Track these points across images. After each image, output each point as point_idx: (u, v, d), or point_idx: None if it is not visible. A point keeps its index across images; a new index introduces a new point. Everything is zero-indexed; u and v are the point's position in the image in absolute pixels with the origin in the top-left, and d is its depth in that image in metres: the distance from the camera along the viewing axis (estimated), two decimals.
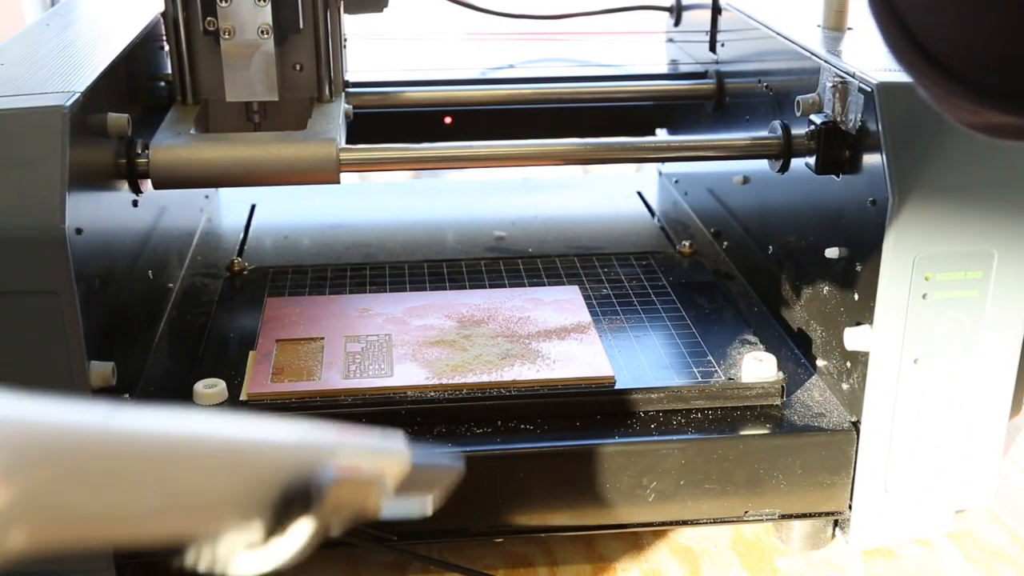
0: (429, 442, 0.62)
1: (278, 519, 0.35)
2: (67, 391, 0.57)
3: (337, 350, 0.68)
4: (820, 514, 0.66)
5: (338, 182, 0.68)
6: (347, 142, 0.72)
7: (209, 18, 0.72)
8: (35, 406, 0.28)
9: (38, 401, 0.28)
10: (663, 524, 0.65)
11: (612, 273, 0.84)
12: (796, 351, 0.73)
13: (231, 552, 0.36)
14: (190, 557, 0.36)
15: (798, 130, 0.69)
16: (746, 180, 0.84)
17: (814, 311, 0.70)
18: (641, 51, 1.07)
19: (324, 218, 0.97)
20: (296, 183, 0.69)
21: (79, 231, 0.57)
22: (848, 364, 0.65)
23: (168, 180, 0.67)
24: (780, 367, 0.66)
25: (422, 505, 0.42)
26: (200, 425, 0.34)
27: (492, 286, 0.81)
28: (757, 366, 0.66)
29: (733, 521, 0.65)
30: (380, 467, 0.38)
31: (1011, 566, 0.68)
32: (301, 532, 0.35)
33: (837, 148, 0.65)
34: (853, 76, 0.64)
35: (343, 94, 0.78)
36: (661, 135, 1.07)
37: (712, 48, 0.94)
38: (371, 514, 0.38)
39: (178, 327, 0.76)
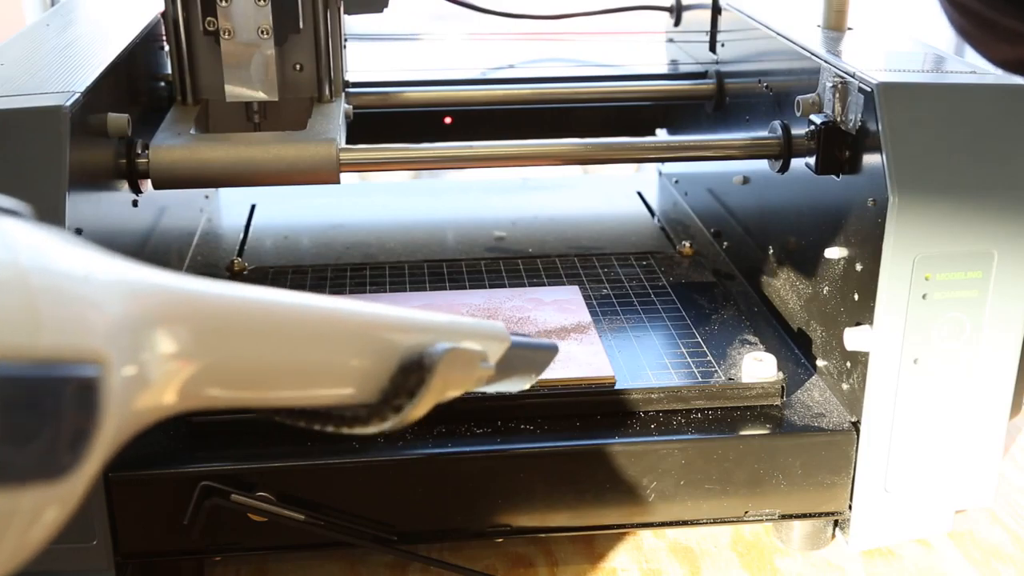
0: (429, 442, 0.62)
1: (396, 388, 0.40)
2: None
3: None
4: (820, 514, 0.66)
5: (338, 182, 0.68)
6: (347, 142, 0.72)
7: (209, 18, 0.72)
8: (203, 284, 0.32)
9: (201, 280, 0.32)
10: (663, 524, 0.65)
11: (612, 273, 0.84)
12: (796, 351, 0.73)
13: (357, 416, 0.40)
14: (316, 419, 0.41)
15: (798, 130, 0.69)
16: (746, 180, 0.84)
17: (814, 311, 0.70)
18: (641, 51, 1.07)
19: (324, 218, 0.97)
20: (296, 183, 0.69)
21: (79, 231, 0.57)
22: (848, 364, 0.65)
23: (168, 180, 0.67)
24: (780, 367, 0.66)
25: (522, 383, 0.48)
26: (328, 302, 0.38)
27: (492, 286, 0.81)
28: (757, 366, 0.66)
29: (733, 521, 0.65)
30: (484, 344, 0.43)
31: (1011, 566, 0.68)
32: (419, 398, 0.40)
33: (837, 148, 0.65)
34: (853, 76, 0.64)
35: (343, 94, 0.78)
36: (661, 135, 1.07)
37: (712, 48, 0.94)
38: (476, 386, 0.43)
39: None
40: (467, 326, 0.44)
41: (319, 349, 0.38)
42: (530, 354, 0.48)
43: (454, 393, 0.42)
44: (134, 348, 0.28)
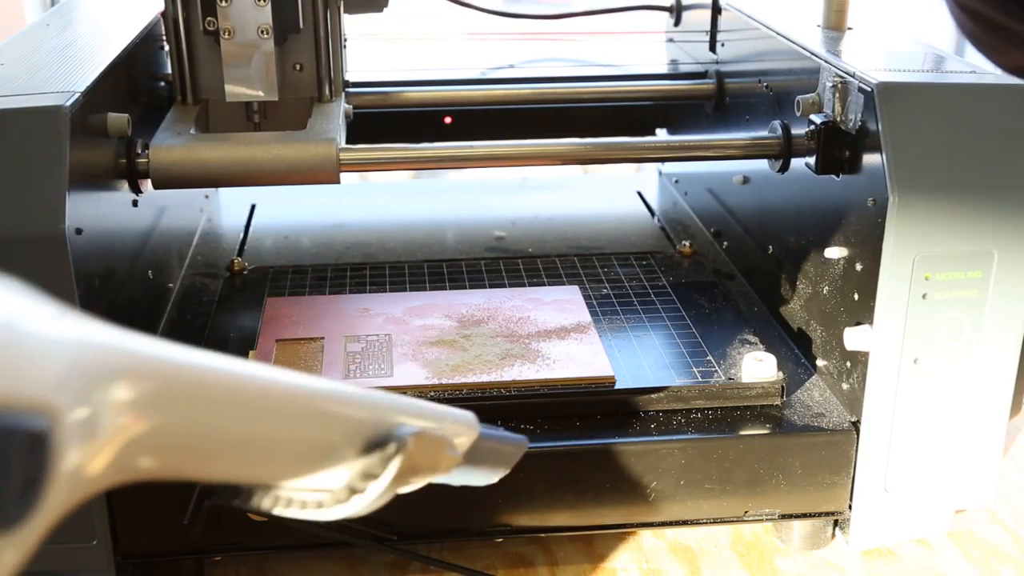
0: None
1: (360, 470, 0.38)
2: None
3: (337, 350, 0.68)
4: (820, 514, 0.66)
5: (338, 182, 0.68)
6: (347, 142, 0.72)
7: (209, 18, 0.72)
8: (161, 346, 0.31)
9: (160, 343, 0.31)
10: (663, 524, 0.65)
11: (612, 273, 0.84)
12: (796, 351, 0.73)
13: (316, 498, 0.39)
14: (275, 502, 0.40)
15: (798, 130, 0.69)
16: (746, 180, 0.84)
17: (814, 311, 0.70)
18: (641, 51, 1.07)
19: (324, 218, 0.97)
20: (296, 183, 0.69)
21: (79, 231, 0.57)
22: (848, 364, 0.65)
23: (168, 180, 0.67)
24: (780, 367, 0.66)
25: (489, 477, 0.47)
26: (295, 378, 0.37)
27: (492, 286, 0.81)
28: (757, 366, 0.66)
29: (733, 521, 0.66)
30: (451, 432, 0.43)
31: (1011, 566, 0.68)
32: (379, 484, 0.38)
33: (837, 148, 0.65)
34: (853, 76, 0.64)
35: (343, 94, 0.78)
36: (661, 135, 1.07)
37: (712, 48, 0.94)
38: (442, 474, 0.42)
39: (178, 327, 0.76)
40: (436, 411, 0.43)
41: (280, 424, 0.36)
42: (498, 446, 0.47)
43: (418, 481, 0.41)
44: (84, 397, 0.27)
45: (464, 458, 0.44)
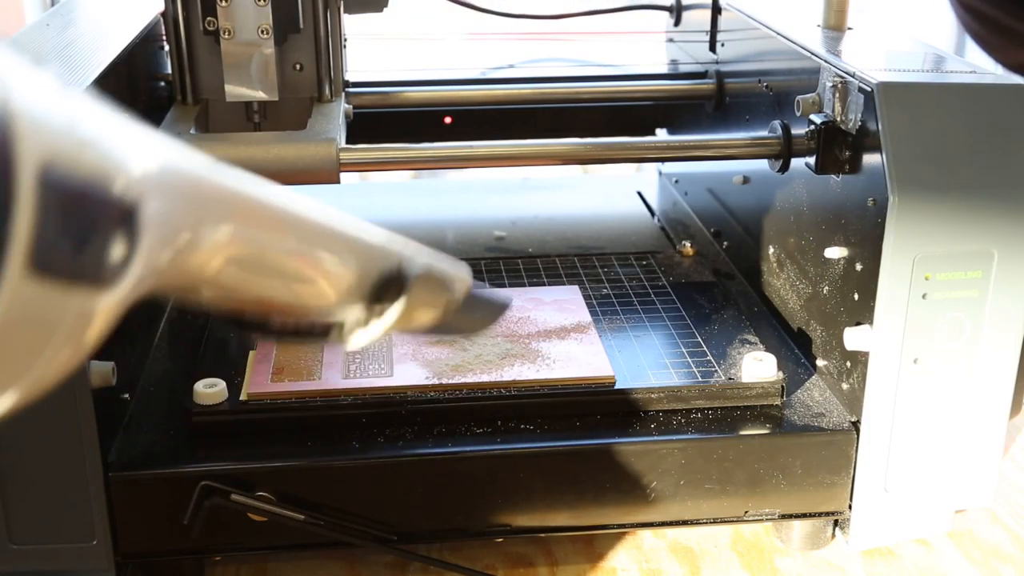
0: (429, 442, 0.62)
1: (377, 299, 0.42)
2: (67, 391, 0.57)
3: (337, 350, 0.68)
4: (820, 514, 0.66)
5: (338, 182, 0.68)
6: (347, 142, 0.72)
7: (209, 18, 0.72)
8: (227, 170, 0.35)
9: (225, 167, 0.35)
10: (663, 524, 0.65)
11: (612, 273, 0.84)
12: (796, 351, 0.73)
13: (339, 324, 0.43)
14: (304, 327, 0.43)
15: (798, 130, 0.69)
16: (746, 180, 0.84)
17: (814, 311, 0.70)
18: (641, 51, 1.07)
19: None
20: (296, 183, 0.69)
21: None
22: (848, 364, 0.65)
23: None
24: (780, 367, 0.66)
25: (476, 327, 0.53)
26: (326, 208, 0.42)
27: (492, 286, 0.81)
28: (757, 366, 0.66)
29: (733, 521, 0.65)
30: (454, 275, 0.46)
31: (1011, 566, 0.68)
32: (393, 313, 0.42)
33: (837, 148, 0.65)
34: (853, 76, 0.64)
35: (343, 94, 0.78)
36: (661, 135, 1.07)
37: (712, 48, 0.94)
38: (446, 310, 0.45)
39: (178, 327, 0.76)
40: (441, 257, 0.46)
41: (322, 246, 0.41)
42: (487, 302, 0.51)
43: (422, 318, 0.44)
44: (173, 202, 0.30)
45: (461, 303, 0.47)
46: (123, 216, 0.27)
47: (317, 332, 0.44)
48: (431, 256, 0.45)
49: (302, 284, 0.41)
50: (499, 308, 0.53)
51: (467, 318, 0.50)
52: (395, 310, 0.42)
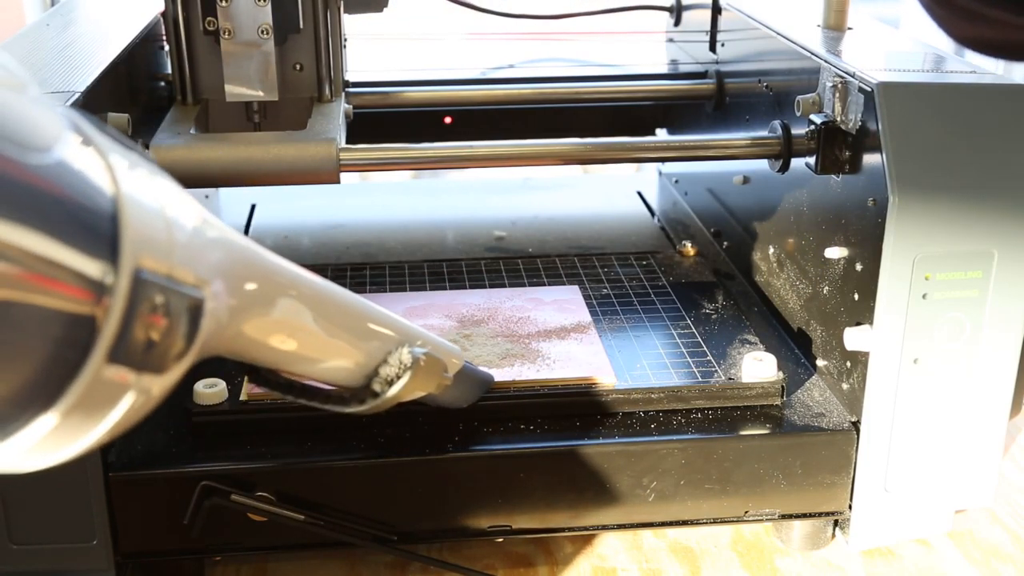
0: (429, 442, 0.62)
1: (383, 376, 0.49)
2: None
3: None
4: (820, 514, 0.66)
5: (338, 182, 0.68)
6: (347, 142, 0.72)
7: (209, 18, 0.72)
8: (268, 254, 0.41)
9: (266, 251, 0.41)
10: (663, 524, 0.65)
11: (612, 273, 0.84)
12: (796, 351, 0.73)
13: (341, 396, 0.50)
14: (313, 396, 0.50)
15: (798, 130, 0.69)
16: (746, 180, 0.84)
17: (814, 311, 0.70)
18: (641, 51, 1.07)
19: (324, 218, 0.97)
20: (296, 183, 0.69)
21: None
22: (848, 364, 0.65)
23: None
24: (780, 367, 0.66)
25: (460, 402, 0.60)
26: (345, 291, 0.48)
27: (492, 286, 0.81)
28: (757, 366, 0.66)
29: (733, 521, 0.65)
30: (448, 358, 0.54)
31: (1011, 566, 0.68)
32: (395, 389, 0.49)
33: (837, 148, 0.65)
34: (853, 76, 0.64)
35: (343, 94, 0.78)
36: (661, 135, 1.07)
37: (712, 48, 0.94)
38: (436, 391, 0.53)
39: None
40: (438, 341, 0.54)
41: (342, 328, 0.47)
42: (474, 378, 0.60)
43: (420, 392, 0.52)
44: (226, 289, 0.35)
45: (452, 381, 0.54)
46: (196, 313, 0.31)
47: (320, 396, 0.50)
48: (434, 340, 0.53)
49: (319, 362, 0.46)
50: (484, 384, 0.62)
51: (456, 393, 0.58)
52: (397, 387, 0.49)
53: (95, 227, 0.28)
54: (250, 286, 0.38)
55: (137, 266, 0.28)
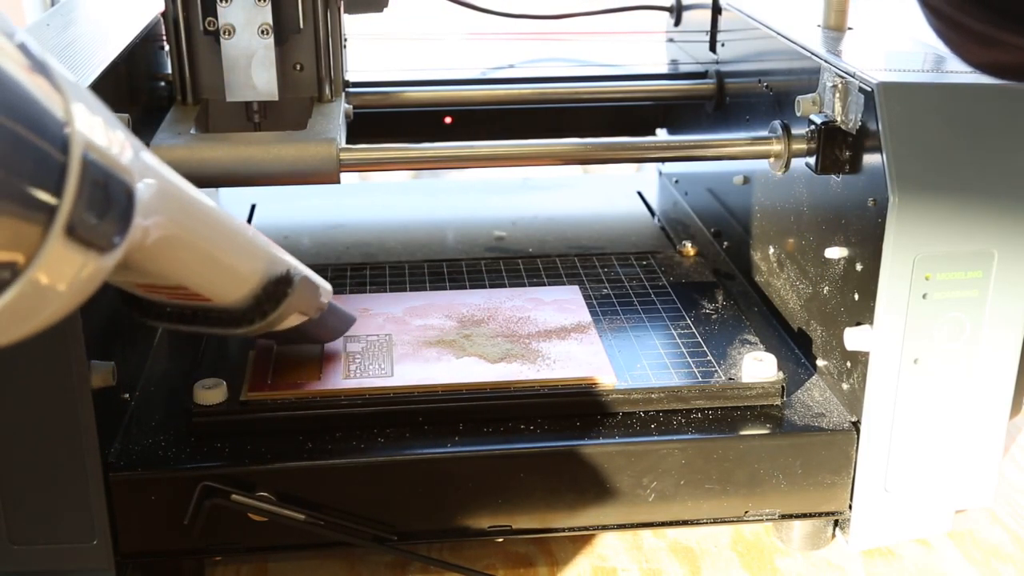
0: (429, 442, 0.62)
1: (266, 295, 0.52)
2: (67, 391, 0.57)
3: (337, 350, 0.68)
4: (820, 514, 0.66)
5: (338, 182, 0.68)
6: (347, 142, 0.72)
7: (209, 18, 0.72)
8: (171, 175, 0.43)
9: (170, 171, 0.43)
10: (663, 524, 0.65)
11: (612, 273, 0.84)
12: (796, 351, 0.73)
13: (230, 318, 0.53)
14: (200, 321, 0.53)
15: (798, 130, 0.69)
16: (746, 180, 0.84)
17: (814, 311, 0.70)
18: (641, 51, 1.07)
19: (324, 218, 0.97)
20: (296, 183, 0.69)
21: None
22: (848, 364, 0.65)
23: None
24: (780, 367, 0.66)
25: (325, 337, 0.67)
26: (237, 218, 0.51)
27: (492, 286, 0.81)
28: (757, 366, 0.66)
29: (733, 521, 0.65)
30: (321, 284, 0.58)
31: (1011, 566, 0.68)
32: (277, 310, 0.52)
33: (837, 148, 0.65)
34: (853, 76, 0.64)
35: (343, 94, 0.78)
36: (661, 135, 1.07)
37: (712, 48, 0.94)
38: (314, 314, 0.58)
39: None
40: (309, 271, 0.56)
41: (236, 249, 0.50)
42: (341, 313, 0.66)
43: (300, 315, 0.56)
44: (148, 191, 0.38)
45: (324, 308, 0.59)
46: (128, 199, 0.35)
47: (209, 321, 0.53)
48: (304, 269, 0.55)
49: (219, 277, 0.49)
50: (348, 321, 0.67)
51: (324, 325, 0.63)
52: (280, 308, 0.52)
53: (49, 117, 0.32)
54: (165, 206, 0.40)
55: (84, 149, 0.32)
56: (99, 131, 0.34)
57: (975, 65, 0.41)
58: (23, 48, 0.33)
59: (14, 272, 0.31)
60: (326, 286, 0.59)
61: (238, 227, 0.50)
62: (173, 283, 0.47)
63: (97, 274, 0.34)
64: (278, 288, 0.52)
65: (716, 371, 0.68)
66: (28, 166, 0.31)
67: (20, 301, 0.32)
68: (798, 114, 0.68)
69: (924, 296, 0.61)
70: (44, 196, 0.31)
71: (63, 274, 0.32)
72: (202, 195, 0.46)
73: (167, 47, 0.76)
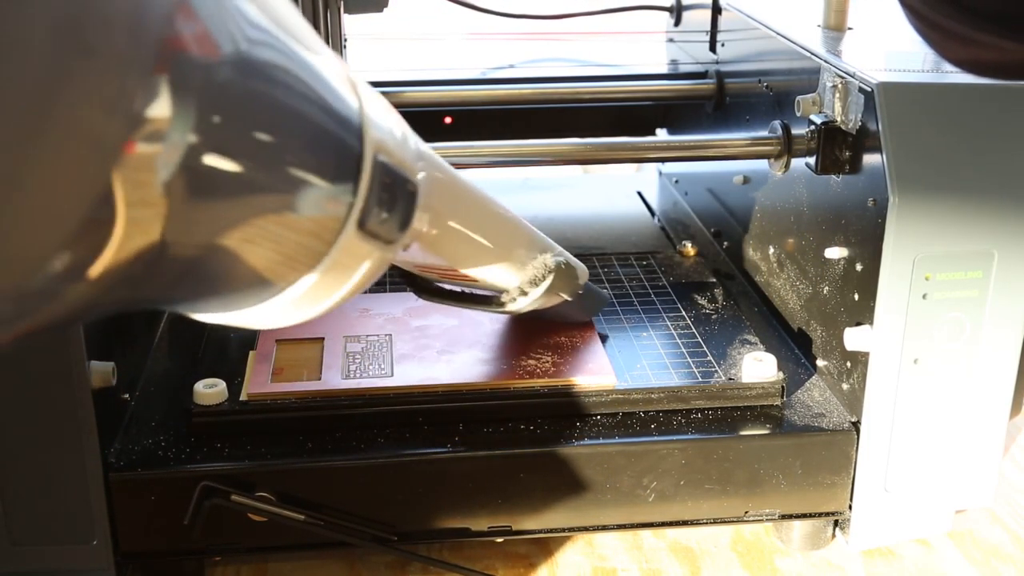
0: (429, 442, 0.62)
1: (529, 278, 0.57)
2: (67, 391, 0.57)
3: (337, 350, 0.68)
4: (820, 514, 0.66)
5: None
6: None
7: None
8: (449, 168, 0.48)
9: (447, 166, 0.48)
10: (663, 524, 0.65)
11: (612, 273, 0.84)
12: (796, 351, 0.73)
13: (493, 298, 0.59)
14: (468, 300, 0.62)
15: (798, 130, 0.69)
16: (746, 180, 0.84)
17: (814, 311, 0.70)
18: (641, 51, 1.07)
19: None
20: None
21: None
22: (848, 364, 0.65)
23: None
24: (780, 367, 0.66)
25: (584, 315, 0.71)
26: (500, 205, 0.55)
27: None
28: (757, 366, 0.66)
29: (733, 521, 0.65)
30: (579, 266, 0.62)
31: (1011, 566, 0.68)
32: (539, 290, 0.57)
33: (837, 148, 0.65)
34: (853, 76, 0.64)
35: None
36: (661, 135, 1.07)
37: (712, 48, 0.94)
38: (572, 295, 0.61)
39: (178, 327, 0.76)
40: (569, 255, 0.61)
41: (504, 235, 0.54)
42: (596, 293, 0.70)
43: (558, 296, 0.60)
44: (431, 188, 0.41)
45: (582, 290, 0.62)
46: (411, 194, 0.37)
47: (477, 299, 0.60)
48: (565, 252, 0.60)
49: (487, 261, 0.53)
50: (603, 300, 0.72)
51: (584, 304, 0.66)
52: (541, 289, 0.57)
53: (349, 119, 0.35)
54: (440, 197, 0.44)
55: (376, 151, 0.35)
56: (387, 128, 0.36)
57: (956, 63, 0.41)
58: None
59: (316, 257, 0.34)
60: (583, 268, 0.62)
61: (504, 212, 0.54)
62: (445, 267, 0.51)
63: (380, 266, 0.36)
64: (541, 271, 0.56)
65: (716, 371, 0.68)
66: (332, 160, 0.33)
67: (315, 288, 0.34)
68: (798, 114, 0.68)
69: (924, 296, 0.61)
70: (343, 191, 0.34)
71: (349, 266, 0.35)
72: (471, 182, 0.48)
73: None
